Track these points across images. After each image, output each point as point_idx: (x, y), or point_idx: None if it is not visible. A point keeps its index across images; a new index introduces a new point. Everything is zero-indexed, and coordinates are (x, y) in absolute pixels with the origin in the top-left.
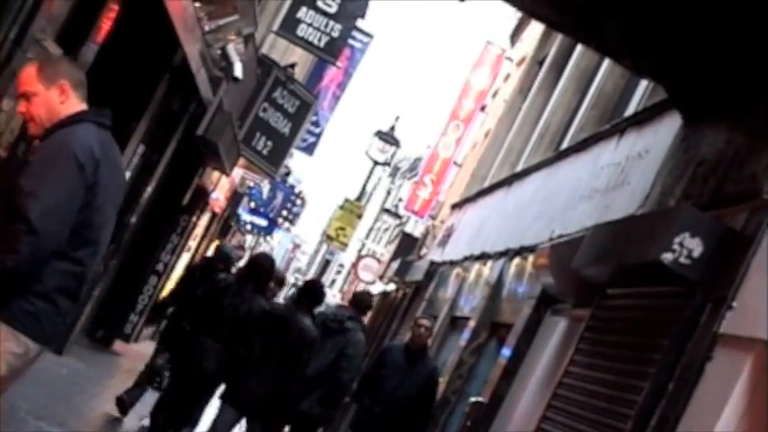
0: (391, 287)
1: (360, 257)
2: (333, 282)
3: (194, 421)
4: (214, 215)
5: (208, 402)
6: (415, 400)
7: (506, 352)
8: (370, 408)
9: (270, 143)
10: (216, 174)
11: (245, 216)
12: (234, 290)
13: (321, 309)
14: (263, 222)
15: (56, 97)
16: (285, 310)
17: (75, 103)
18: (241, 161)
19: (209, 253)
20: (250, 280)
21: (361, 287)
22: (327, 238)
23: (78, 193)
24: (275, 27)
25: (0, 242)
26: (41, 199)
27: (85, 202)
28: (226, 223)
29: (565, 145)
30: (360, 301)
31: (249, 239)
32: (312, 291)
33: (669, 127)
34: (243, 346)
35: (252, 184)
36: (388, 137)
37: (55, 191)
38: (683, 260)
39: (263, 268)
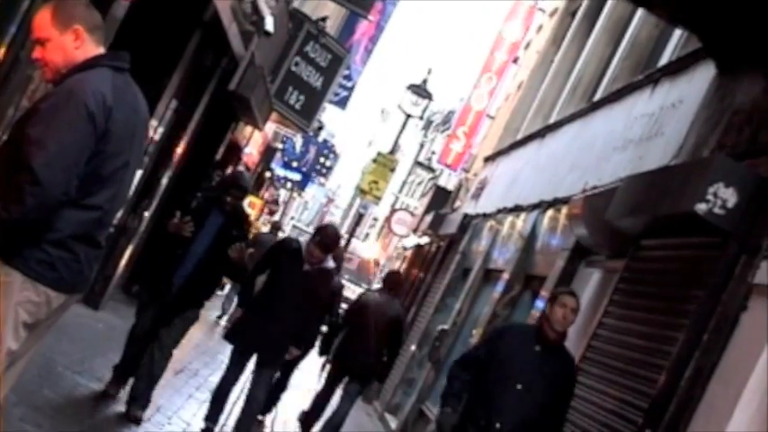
0: (425, 240)
1: (393, 211)
2: (367, 235)
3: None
4: (247, 170)
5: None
6: (547, 411)
7: (540, 304)
8: (487, 425)
9: (302, 97)
10: (248, 128)
11: (279, 170)
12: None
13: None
14: (296, 177)
15: (70, 42)
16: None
17: (90, 48)
18: (273, 116)
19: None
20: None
21: (394, 240)
22: (361, 191)
23: (87, 142)
24: None
25: (7, 192)
26: (47, 148)
27: (97, 151)
28: (259, 178)
29: (598, 96)
30: (393, 282)
31: (283, 194)
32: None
33: (703, 76)
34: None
35: (285, 139)
36: (420, 90)
37: (61, 139)
38: (717, 210)
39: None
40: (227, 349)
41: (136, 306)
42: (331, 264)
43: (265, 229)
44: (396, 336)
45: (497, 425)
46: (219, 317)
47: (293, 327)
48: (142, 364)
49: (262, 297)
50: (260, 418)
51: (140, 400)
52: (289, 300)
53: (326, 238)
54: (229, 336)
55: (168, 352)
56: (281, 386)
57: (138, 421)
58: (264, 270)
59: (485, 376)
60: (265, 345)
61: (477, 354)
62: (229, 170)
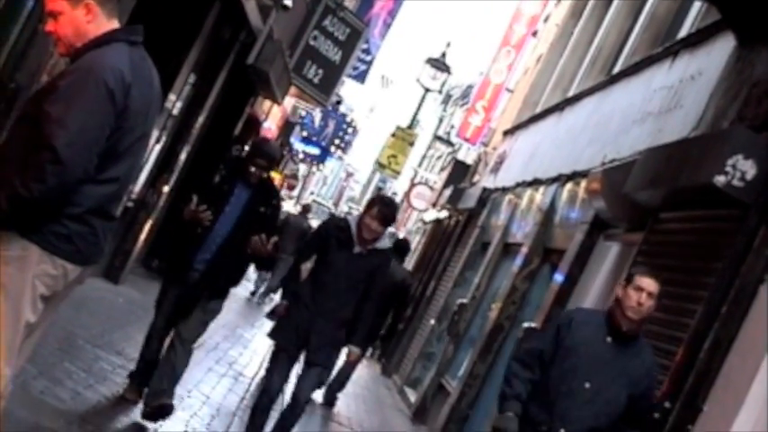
0: (444, 214)
1: (412, 185)
2: None
3: None
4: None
5: None
6: (621, 414)
7: (559, 277)
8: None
9: (321, 71)
10: (267, 103)
11: (298, 145)
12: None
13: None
14: (315, 151)
15: (82, 16)
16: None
17: (103, 22)
18: (292, 90)
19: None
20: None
21: (414, 215)
22: (380, 165)
23: (108, 120)
24: None
25: (27, 169)
26: (68, 127)
27: (116, 127)
28: None
29: (617, 69)
30: (400, 248)
31: (302, 168)
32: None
33: (723, 48)
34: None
35: (303, 113)
36: (439, 64)
37: (83, 119)
38: (736, 182)
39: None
40: (246, 323)
41: (155, 299)
42: (387, 243)
43: (289, 207)
44: (401, 299)
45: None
46: (253, 293)
47: (347, 321)
48: (163, 361)
49: (309, 287)
50: None
51: (163, 395)
52: (341, 289)
53: (386, 207)
54: (275, 332)
55: (189, 347)
56: (338, 384)
57: (168, 409)
58: (310, 256)
59: (546, 373)
60: (315, 342)
61: (540, 348)
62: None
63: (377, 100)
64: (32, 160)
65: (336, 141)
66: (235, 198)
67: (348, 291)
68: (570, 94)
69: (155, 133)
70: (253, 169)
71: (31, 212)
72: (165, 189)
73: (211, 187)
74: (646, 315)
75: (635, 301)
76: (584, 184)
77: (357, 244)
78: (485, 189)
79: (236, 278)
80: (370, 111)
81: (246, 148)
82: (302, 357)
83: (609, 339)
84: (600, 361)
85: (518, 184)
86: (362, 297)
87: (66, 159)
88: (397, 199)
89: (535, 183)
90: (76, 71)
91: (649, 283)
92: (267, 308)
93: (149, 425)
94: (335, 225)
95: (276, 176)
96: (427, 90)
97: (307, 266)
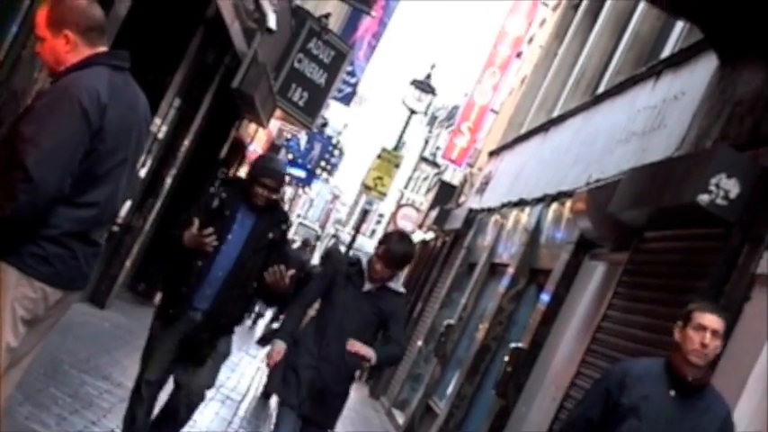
0: (430, 235)
1: (399, 207)
2: (373, 232)
3: None
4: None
5: None
6: None
7: (545, 298)
8: None
9: (306, 94)
10: (253, 126)
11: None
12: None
13: None
14: (301, 174)
15: (62, 46)
16: None
17: (83, 50)
18: (278, 113)
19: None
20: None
21: None
22: (365, 187)
23: (81, 139)
24: None
25: (1, 190)
26: (40, 145)
27: (92, 148)
28: None
29: (601, 89)
30: None
31: (289, 191)
32: None
33: (705, 68)
34: None
35: (289, 136)
36: (424, 85)
37: (54, 137)
38: (719, 201)
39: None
40: (233, 345)
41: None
42: (400, 287)
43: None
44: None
45: None
46: (255, 319)
47: (355, 369)
48: (163, 412)
49: (311, 330)
50: None
51: None
52: (349, 332)
53: (397, 245)
54: (277, 385)
55: (199, 400)
56: None
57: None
58: (313, 299)
59: None
60: (318, 396)
61: (587, 416)
62: (233, 169)
63: (350, 117)
64: (4, 179)
65: (322, 164)
66: (238, 225)
67: (357, 335)
68: (555, 114)
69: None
70: (259, 191)
71: (6, 232)
72: (152, 216)
73: (210, 213)
74: (712, 358)
75: (698, 344)
76: (569, 204)
77: (368, 281)
78: (471, 210)
79: (242, 316)
80: (344, 127)
81: (223, 175)
82: (305, 408)
83: (673, 393)
84: (665, 420)
85: (504, 205)
86: (385, 340)
87: (36, 177)
88: (384, 221)
89: (521, 203)
90: (53, 91)
91: (712, 320)
92: (256, 328)
93: None
94: (343, 259)
95: None
96: (412, 111)
97: (311, 312)
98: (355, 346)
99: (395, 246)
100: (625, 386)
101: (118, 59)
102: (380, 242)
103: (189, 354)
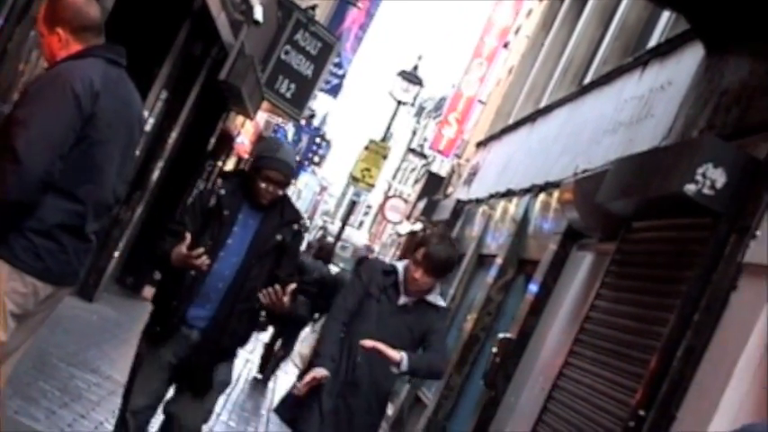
0: (418, 226)
1: (387, 198)
2: (361, 223)
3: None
4: (240, 159)
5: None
6: None
7: (533, 288)
8: None
9: (293, 86)
10: (240, 118)
11: None
12: None
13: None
14: None
15: (55, 42)
16: None
17: (75, 48)
18: (265, 105)
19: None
20: None
21: (389, 228)
22: (353, 179)
23: (72, 124)
24: None
25: None
26: (29, 127)
27: (83, 135)
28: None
29: (588, 79)
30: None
31: None
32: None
33: (692, 58)
34: None
35: (276, 128)
36: (411, 76)
37: (46, 120)
38: (706, 191)
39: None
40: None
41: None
42: (440, 300)
43: None
44: None
45: None
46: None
47: (388, 395)
48: None
49: (337, 354)
50: None
51: None
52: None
53: (438, 250)
54: (286, 412)
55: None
56: None
57: None
58: (352, 313)
59: None
60: (342, 429)
61: None
62: (220, 161)
63: (337, 108)
64: None
65: (310, 155)
66: (239, 227)
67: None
68: (542, 105)
69: None
70: (263, 186)
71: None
72: (140, 209)
73: (207, 213)
74: None
75: None
76: (556, 194)
77: (403, 294)
78: (458, 201)
79: (246, 336)
80: (328, 117)
81: (210, 168)
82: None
83: None
84: None
85: (491, 196)
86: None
87: (24, 158)
88: (372, 212)
89: (508, 194)
90: (46, 76)
91: None
92: None
93: None
94: (379, 267)
95: None
96: (400, 103)
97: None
98: (376, 345)
99: (435, 249)
100: None
101: (113, 54)
102: (418, 245)
103: (184, 381)
